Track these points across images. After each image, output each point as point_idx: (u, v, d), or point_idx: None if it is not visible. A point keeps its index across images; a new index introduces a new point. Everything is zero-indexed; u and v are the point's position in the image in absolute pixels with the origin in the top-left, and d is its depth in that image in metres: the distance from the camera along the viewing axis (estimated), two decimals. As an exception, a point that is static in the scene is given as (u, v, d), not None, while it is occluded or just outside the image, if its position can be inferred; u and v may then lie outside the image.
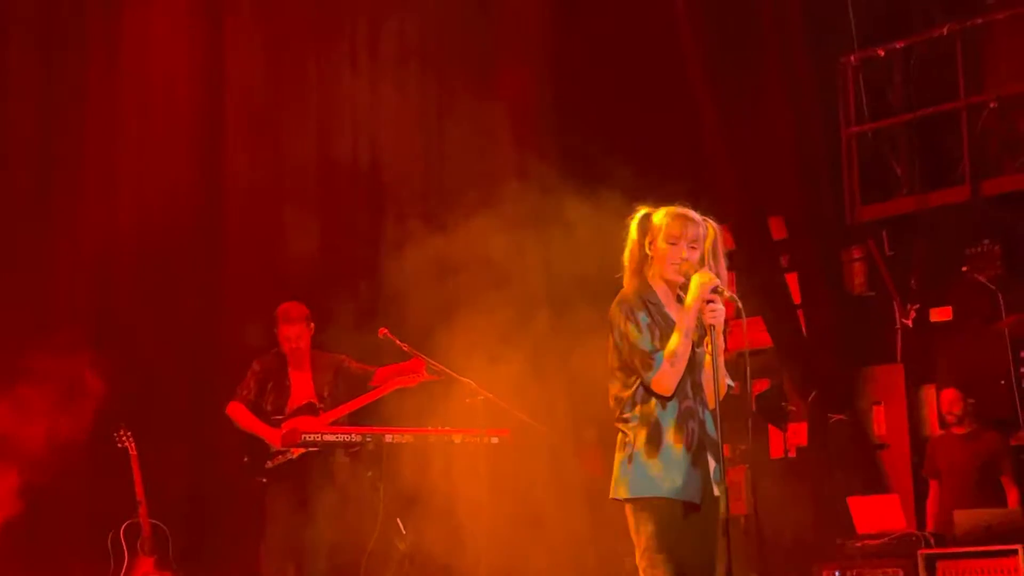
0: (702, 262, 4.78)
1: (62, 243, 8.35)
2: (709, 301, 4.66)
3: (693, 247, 4.73)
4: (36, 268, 8.20)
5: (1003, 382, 8.98)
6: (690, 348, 4.74)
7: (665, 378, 4.73)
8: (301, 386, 7.76)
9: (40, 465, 7.08)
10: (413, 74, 9.60)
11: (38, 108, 8.46)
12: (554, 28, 9.95)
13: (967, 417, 8.57)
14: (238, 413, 7.61)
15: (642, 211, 4.90)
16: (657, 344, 4.76)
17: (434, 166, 9.34)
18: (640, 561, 4.66)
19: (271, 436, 7.49)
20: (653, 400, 4.74)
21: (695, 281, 4.68)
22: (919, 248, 9.52)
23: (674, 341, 4.72)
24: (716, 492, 4.69)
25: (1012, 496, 8.43)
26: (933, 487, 8.73)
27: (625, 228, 4.95)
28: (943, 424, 9.14)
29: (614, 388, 4.82)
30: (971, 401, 8.59)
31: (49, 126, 8.46)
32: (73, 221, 8.38)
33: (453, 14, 9.66)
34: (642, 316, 4.79)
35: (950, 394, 8.67)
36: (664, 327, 4.80)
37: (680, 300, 4.83)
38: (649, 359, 4.71)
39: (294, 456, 7.46)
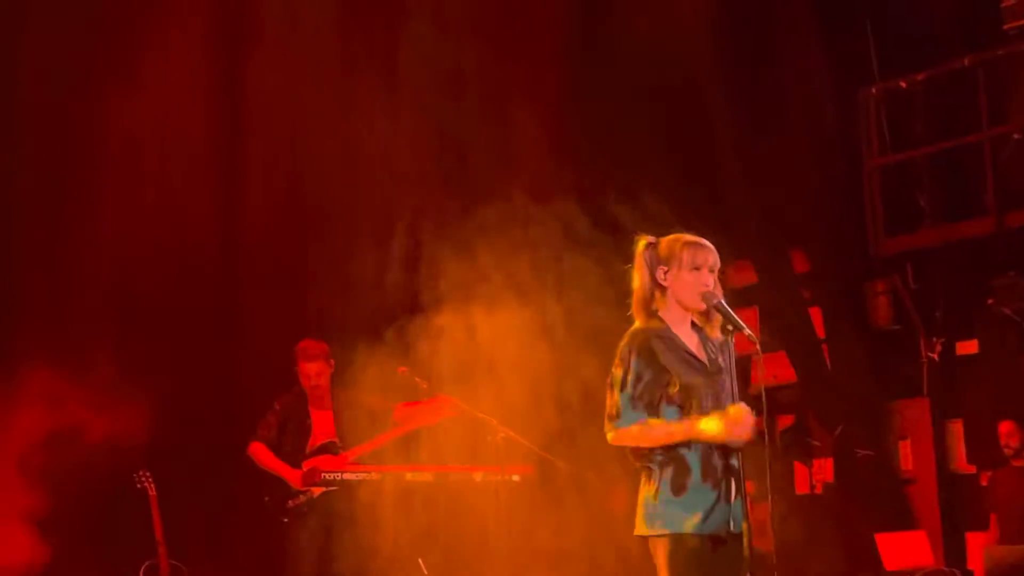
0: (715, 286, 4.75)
1: (79, 282, 8.37)
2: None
3: (712, 273, 4.73)
4: (54, 309, 8.25)
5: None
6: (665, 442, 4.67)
7: (624, 439, 4.71)
8: (322, 424, 7.79)
9: (61, 507, 7.11)
10: (433, 106, 9.44)
11: (53, 139, 8.48)
12: (574, 61, 9.94)
13: None
14: (259, 453, 7.67)
15: (645, 240, 4.86)
16: (642, 401, 4.68)
17: (454, 199, 9.04)
18: None
19: (291, 476, 7.54)
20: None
21: (723, 429, 4.59)
22: (944, 281, 9.58)
23: (660, 433, 4.64)
24: (741, 527, 4.63)
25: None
26: (993, 520, 8.65)
27: (626, 258, 4.90)
28: (971, 459, 9.34)
29: (621, 432, 4.75)
30: None
31: (65, 162, 8.50)
32: (91, 259, 8.41)
33: (472, 46, 9.57)
34: (635, 362, 4.71)
35: (1007, 426, 8.60)
36: (680, 363, 4.74)
37: (694, 326, 4.81)
38: (615, 410, 4.69)
39: (315, 495, 7.50)
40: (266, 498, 7.64)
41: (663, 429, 4.62)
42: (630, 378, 4.68)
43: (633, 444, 4.68)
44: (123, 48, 8.64)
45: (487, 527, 7.44)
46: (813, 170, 9.65)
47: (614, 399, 4.68)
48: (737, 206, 9.49)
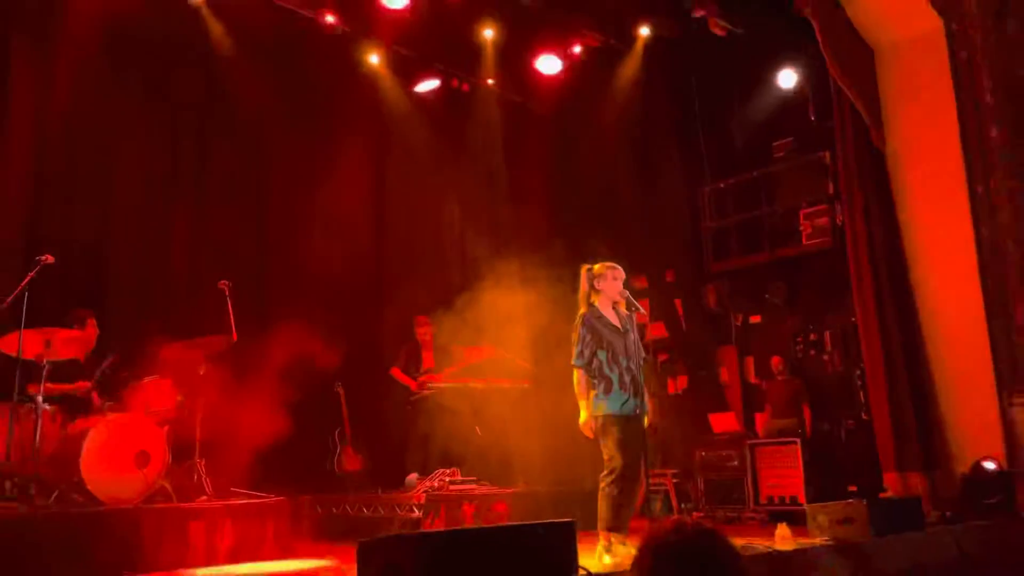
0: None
1: (302, 278, 7.99)
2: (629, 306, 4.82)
3: (620, 281, 4.87)
4: (288, 292, 7.86)
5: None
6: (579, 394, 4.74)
7: (576, 376, 4.76)
8: (428, 359, 7.88)
9: (299, 399, 6.86)
10: (477, 192, 9.30)
11: (288, 201, 8.27)
12: (555, 178, 9.73)
13: (785, 371, 8.51)
14: (396, 373, 7.83)
15: (586, 266, 4.94)
16: (587, 352, 4.71)
17: (495, 240, 8.77)
18: (605, 449, 4.72)
19: (413, 385, 7.70)
20: (605, 368, 4.74)
21: (582, 423, 4.70)
22: (744, 285, 9.31)
23: (580, 391, 4.72)
24: (642, 412, 4.75)
25: (807, 413, 8.22)
26: (767, 408, 8.53)
27: (578, 275, 4.96)
28: (757, 376, 9.23)
29: (578, 370, 4.81)
30: (787, 363, 8.59)
31: (293, 215, 8.25)
32: (306, 266, 8.05)
33: (503, 168, 9.39)
34: (583, 331, 4.76)
35: (776, 359, 8.59)
36: (606, 330, 4.77)
37: (613, 309, 4.85)
38: (574, 356, 4.77)
39: (424, 395, 7.60)
40: (399, 396, 7.74)
41: (578, 390, 4.73)
42: (580, 338, 4.78)
43: (576, 381, 4.78)
44: (321, 154, 8.36)
45: (512, 408, 7.53)
46: (678, 228, 9.57)
47: (574, 350, 4.79)
48: (638, 245, 9.22)
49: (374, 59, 8.70)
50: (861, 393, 7.96)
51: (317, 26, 8.07)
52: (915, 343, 7.17)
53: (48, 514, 4.76)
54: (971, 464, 6.55)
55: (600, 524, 4.70)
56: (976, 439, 6.71)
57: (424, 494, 6.47)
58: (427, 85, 9.05)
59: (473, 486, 6.87)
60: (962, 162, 7.06)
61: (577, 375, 4.80)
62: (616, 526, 4.67)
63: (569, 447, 7.04)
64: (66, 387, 5.84)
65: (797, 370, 8.67)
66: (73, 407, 5.83)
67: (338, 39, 8.22)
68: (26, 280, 5.29)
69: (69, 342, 5.63)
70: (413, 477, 7.17)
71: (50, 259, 5.38)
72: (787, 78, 8.88)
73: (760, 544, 4.68)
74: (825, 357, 8.71)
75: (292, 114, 8.18)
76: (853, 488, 7.35)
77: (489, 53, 8.77)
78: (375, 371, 8.11)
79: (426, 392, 7.59)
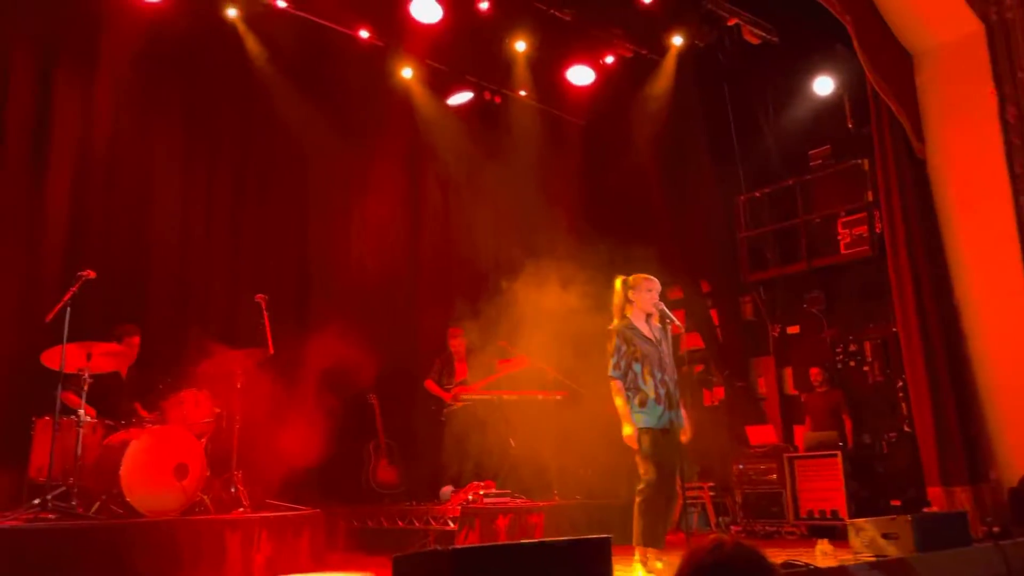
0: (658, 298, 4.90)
1: (341, 289, 8.11)
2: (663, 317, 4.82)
3: (655, 292, 4.90)
4: (327, 303, 7.95)
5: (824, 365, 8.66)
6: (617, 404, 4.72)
7: (611, 387, 4.74)
8: (461, 370, 7.95)
9: (337, 406, 7.03)
10: (511, 204, 9.44)
11: (336, 216, 8.40)
12: (585, 189, 9.93)
13: (824, 383, 8.34)
14: (430, 385, 7.91)
15: (621, 278, 4.93)
16: (623, 363, 4.71)
17: (527, 248, 8.57)
18: (640, 462, 4.70)
19: (446, 397, 7.76)
20: (640, 380, 4.75)
21: (626, 434, 4.64)
22: (780, 295, 9.29)
23: (618, 401, 4.68)
24: (676, 425, 4.77)
25: (848, 425, 8.10)
26: (807, 420, 8.42)
27: (612, 286, 4.95)
28: (796, 387, 9.11)
29: (615, 382, 4.77)
30: (826, 374, 8.40)
31: (338, 231, 8.44)
32: (345, 277, 8.19)
33: (534, 173, 9.48)
34: (618, 343, 4.76)
35: (815, 371, 8.45)
36: (639, 341, 4.77)
37: (647, 320, 4.86)
38: (610, 367, 4.75)
39: (457, 407, 7.63)
40: (433, 407, 7.81)
41: (619, 402, 4.71)
42: (616, 349, 4.79)
43: (612, 392, 4.78)
44: (356, 167, 8.49)
45: (547, 420, 7.55)
46: (713, 238, 9.48)
47: (609, 361, 4.79)
48: (673, 255, 8.92)
49: (407, 72, 8.83)
50: (903, 405, 7.80)
51: (352, 41, 8.19)
52: (958, 353, 7.03)
53: (88, 525, 4.81)
54: (1019, 478, 6.41)
55: (636, 539, 4.65)
56: (1024, 451, 6.71)
57: (459, 507, 6.47)
58: (460, 98, 9.15)
59: (508, 499, 6.87)
60: (1006, 167, 6.92)
61: (615, 387, 4.78)
62: (652, 541, 4.61)
63: (604, 460, 7.03)
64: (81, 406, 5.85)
65: (837, 381, 8.54)
66: (113, 419, 5.88)
67: (372, 53, 8.58)
68: (68, 295, 5.34)
69: (108, 356, 5.66)
70: (447, 490, 7.19)
71: (91, 274, 5.37)
72: (823, 85, 8.80)
73: (800, 560, 4.57)
74: (865, 368, 8.57)
75: (328, 128, 8.26)
76: (896, 502, 7.27)
77: (521, 65, 8.86)
78: (409, 383, 8.17)
79: (459, 404, 7.59)
